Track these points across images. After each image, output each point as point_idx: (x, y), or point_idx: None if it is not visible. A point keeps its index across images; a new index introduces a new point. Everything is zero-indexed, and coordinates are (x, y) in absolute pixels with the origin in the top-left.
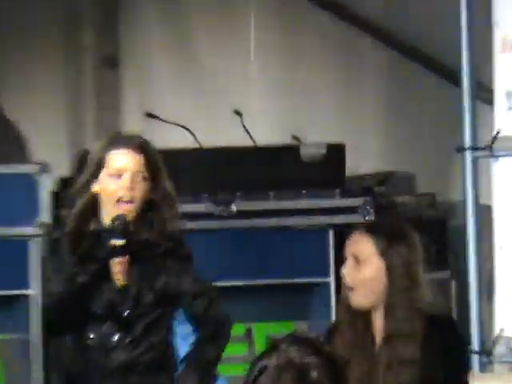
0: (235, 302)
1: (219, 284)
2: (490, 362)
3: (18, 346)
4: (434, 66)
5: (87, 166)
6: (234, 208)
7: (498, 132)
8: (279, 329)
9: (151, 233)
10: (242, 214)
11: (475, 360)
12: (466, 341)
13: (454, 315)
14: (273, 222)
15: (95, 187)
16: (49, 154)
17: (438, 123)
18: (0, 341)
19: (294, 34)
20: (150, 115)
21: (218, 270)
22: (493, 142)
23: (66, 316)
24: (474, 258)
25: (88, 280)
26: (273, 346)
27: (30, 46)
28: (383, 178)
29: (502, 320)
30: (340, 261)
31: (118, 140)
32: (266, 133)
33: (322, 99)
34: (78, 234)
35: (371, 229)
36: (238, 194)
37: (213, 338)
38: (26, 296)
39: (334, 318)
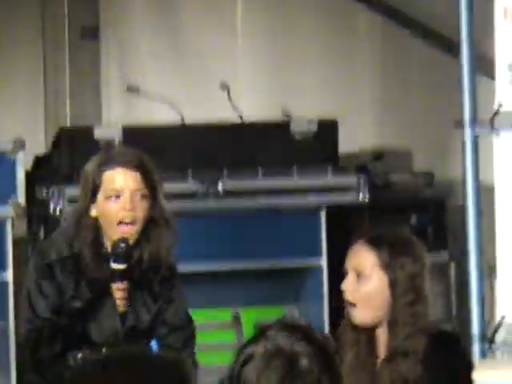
0: (222, 287)
1: (205, 268)
2: (491, 349)
3: None
4: (431, 37)
5: (81, 188)
6: (220, 187)
7: (500, 106)
8: (269, 314)
9: (152, 256)
10: (228, 194)
11: (476, 347)
12: (471, 361)
13: (453, 298)
14: (262, 201)
15: (93, 211)
16: (25, 131)
17: (437, 97)
18: None
19: (282, 6)
20: (133, 90)
21: (203, 254)
22: (494, 117)
23: (51, 343)
24: (475, 240)
25: (85, 305)
26: (260, 333)
27: (6, 16)
28: (378, 155)
29: (504, 305)
30: (333, 242)
31: (112, 158)
32: (255, 108)
33: (314, 73)
34: (77, 258)
35: (373, 240)
36: (225, 172)
37: None
38: (2, 282)
39: (325, 301)
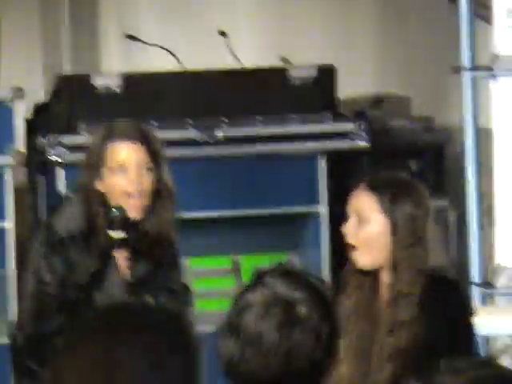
0: (222, 234)
1: (205, 215)
2: (491, 295)
3: None
4: None
5: (86, 163)
6: (219, 134)
7: (498, 51)
8: (269, 261)
9: (156, 229)
10: (227, 140)
11: (476, 292)
12: (471, 304)
13: (453, 246)
14: (260, 148)
15: (99, 186)
16: (23, 79)
17: (436, 43)
18: None
19: None
20: (131, 37)
21: (202, 201)
22: (492, 62)
23: (55, 317)
24: (474, 185)
25: (91, 277)
26: (257, 280)
27: None
28: (377, 101)
29: (503, 251)
30: (332, 189)
31: (116, 131)
32: (253, 54)
33: (312, 18)
34: (88, 234)
35: (375, 184)
36: (224, 119)
37: None
38: (3, 228)
39: (326, 248)
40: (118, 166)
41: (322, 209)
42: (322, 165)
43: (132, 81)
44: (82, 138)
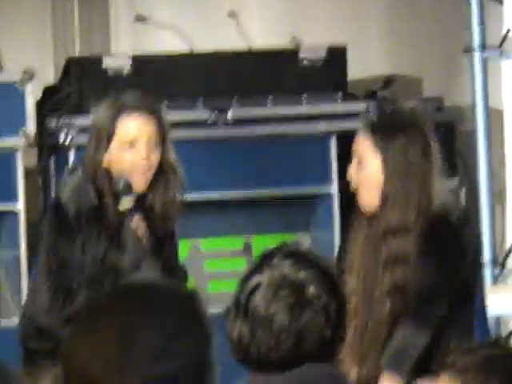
0: (233, 215)
1: (215, 196)
2: (503, 274)
3: (7, 261)
4: None
5: (94, 137)
6: (230, 115)
7: (509, 31)
8: (286, 241)
9: (160, 204)
10: (238, 122)
11: (487, 272)
12: (468, 242)
13: None
14: (271, 129)
15: (106, 159)
16: (34, 61)
17: (447, 22)
18: None
19: None
20: (141, 18)
21: (214, 182)
22: (503, 42)
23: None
24: (485, 165)
25: (107, 252)
26: (263, 261)
27: None
28: (388, 82)
29: None
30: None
31: (126, 104)
32: (264, 35)
33: (323, 0)
34: (96, 210)
35: (370, 125)
36: (235, 100)
37: None
38: (13, 212)
39: (337, 228)
40: (128, 140)
41: (333, 189)
42: (333, 145)
43: (142, 62)
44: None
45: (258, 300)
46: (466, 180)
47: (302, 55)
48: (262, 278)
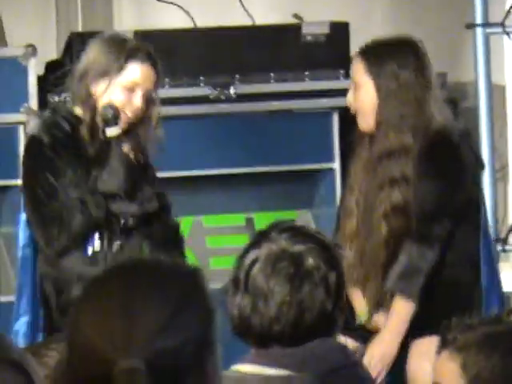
0: (235, 191)
1: (218, 172)
2: (505, 251)
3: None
4: None
5: (93, 68)
6: (232, 91)
7: (511, 7)
8: (282, 218)
9: (139, 149)
10: (241, 98)
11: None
12: (469, 159)
13: None
14: (274, 105)
15: (97, 93)
16: (36, 37)
17: None
18: None
19: None
20: None
21: (215, 158)
22: (505, 18)
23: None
24: (488, 140)
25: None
26: (260, 236)
27: None
28: None
29: None
30: (345, 146)
31: (139, 50)
32: (266, 11)
33: None
34: (75, 136)
35: (365, 51)
36: (237, 76)
37: None
38: (16, 186)
39: (338, 204)
40: (129, 85)
41: (336, 165)
42: (335, 121)
43: (145, 38)
44: None
45: (257, 273)
46: None
47: (304, 31)
48: (260, 253)
